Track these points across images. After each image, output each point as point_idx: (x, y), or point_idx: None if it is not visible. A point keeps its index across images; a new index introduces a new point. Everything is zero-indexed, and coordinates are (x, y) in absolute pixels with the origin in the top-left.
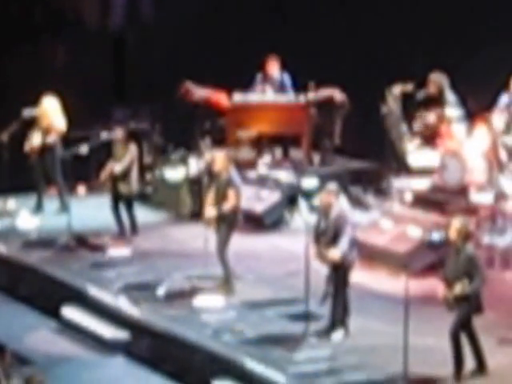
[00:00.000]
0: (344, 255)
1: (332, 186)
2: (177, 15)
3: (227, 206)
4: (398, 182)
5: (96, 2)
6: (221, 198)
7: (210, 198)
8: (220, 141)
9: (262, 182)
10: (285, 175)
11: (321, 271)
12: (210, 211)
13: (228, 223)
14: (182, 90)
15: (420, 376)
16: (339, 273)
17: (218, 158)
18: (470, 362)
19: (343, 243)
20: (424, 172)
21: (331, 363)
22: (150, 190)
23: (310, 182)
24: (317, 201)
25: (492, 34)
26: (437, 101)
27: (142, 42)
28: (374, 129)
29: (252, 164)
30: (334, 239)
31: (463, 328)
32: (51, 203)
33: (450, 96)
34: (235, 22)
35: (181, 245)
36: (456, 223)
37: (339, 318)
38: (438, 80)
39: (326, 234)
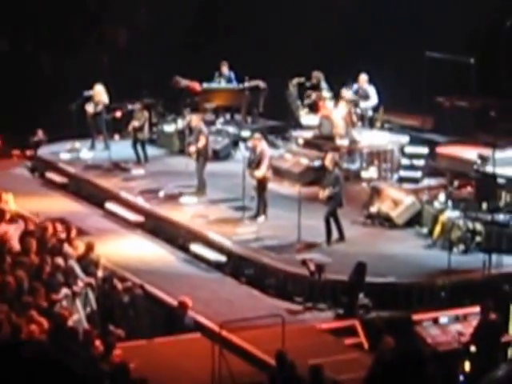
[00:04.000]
0: (263, 174)
1: (257, 134)
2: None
3: (200, 144)
4: (295, 133)
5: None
6: (196, 140)
7: (190, 141)
8: (195, 109)
9: (219, 132)
10: (231, 129)
11: (251, 183)
12: (193, 149)
13: (202, 155)
14: (172, 81)
15: (307, 242)
16: (261, 184)
17: (194, 118)
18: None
19: (263, 168)
20: (310, 127)
21: (257, 235)
22: (156, 137)
23: (245, 133)
24: (249, 143)
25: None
26: (317, 87)
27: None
28: (281, 103)
29: (213, 123)
30: (258, 165)
31: (331, 215)
32: (99, 144)
33: (324, 85)
34: (205, 44)
35: (173, 168)
36: (329, 156)
37: (262, 209)
38: (317, 75)
39: (254, 162)
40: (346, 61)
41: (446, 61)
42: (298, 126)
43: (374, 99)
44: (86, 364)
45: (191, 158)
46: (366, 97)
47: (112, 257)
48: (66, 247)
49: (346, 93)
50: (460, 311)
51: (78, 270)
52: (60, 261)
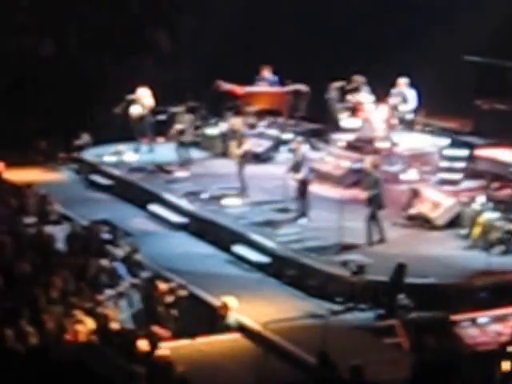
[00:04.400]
0: (304, 177)
1: (299, 138)
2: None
3: (243, 147)
4: (336, 136)
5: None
6: (239, 144)
7: (233, 145)
8: (237, 113)
9: (261, 135)
10: (274, 132)
11: (293, 185)
12: (235, 151)
13: (243, 158)
14: (215, 85)
15: (348, 243)
16: (303, 186)
17: (237, 121)
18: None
19: (304, 171)
20: (350, 130)
21: (299, 236)
22: (199, 139)
23: (287, 136)
24: (291, 146)
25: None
26: (358, 91)
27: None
28: (323, 106)
29: (255, 126)
30: (299, 168)
31: (372, 217)
32: (144, 147)
33: (366, 88)
34: (248, 48)
35: (215, 170)
36: (369, 158)
37: (304, 211)
38: (359, 79)
39: (295, 165)
40: (386, 63)
41: (485, 64)
42: (339, 129)
43: (413, 102)
44: (116, 366)
45: (233, 160)
46: (404, 100)
47: (156, 258)
48: (111, 248)
49: (390, 98)
50: (499, 312)
51: (122, 270)
52: (105, 262)
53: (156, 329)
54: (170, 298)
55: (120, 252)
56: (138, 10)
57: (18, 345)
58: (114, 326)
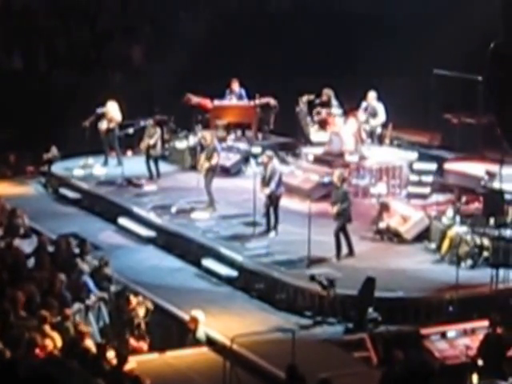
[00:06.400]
0: (272, 191)
1: (268, 151)
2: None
3: (213, 161)
4: (305, 149)
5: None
6: (208, 157)
7: (202, 157)
8: (206, 126)
9: (230, 149)
10: (242, 145)
11: (262, 199)
12: (203, 165)
13: (212, 171)
14: (185, 98)
15: (317, 257)
16: (273, 200)
17: (206, 135)
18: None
19: (272, 185)
20: (320, 144)
21: (268, 250)
22: (168, 153)
23: (256, 149)
24: (261, 159)
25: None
26: (327, 104)
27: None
28: (292, 120)
29: (224, 139)
30: (269, 182)
31: (341, 230)
32: (112, 160)
33: (334, 102)
34: (216, 62)
35: (184, 184)
36: (337, 172)
37: (273, 225)
38: (327, 92)
39: (265, 179)
40: (355, 77)
41: (454, 78)
42: (308, 142)
43: (382, 116)
44: (85, 381)
45: (202, 174)
46: (374, 114)
47: (125, 271)
48: (79, 262)
49: (360, 112)
50: (468, 325)
51: (91, 284)
52: (73, 276)
53: (132, 342)
54: (138, 312)
55: (88, 266)
56: (108, 24)
57: None
58: (84, 340)
